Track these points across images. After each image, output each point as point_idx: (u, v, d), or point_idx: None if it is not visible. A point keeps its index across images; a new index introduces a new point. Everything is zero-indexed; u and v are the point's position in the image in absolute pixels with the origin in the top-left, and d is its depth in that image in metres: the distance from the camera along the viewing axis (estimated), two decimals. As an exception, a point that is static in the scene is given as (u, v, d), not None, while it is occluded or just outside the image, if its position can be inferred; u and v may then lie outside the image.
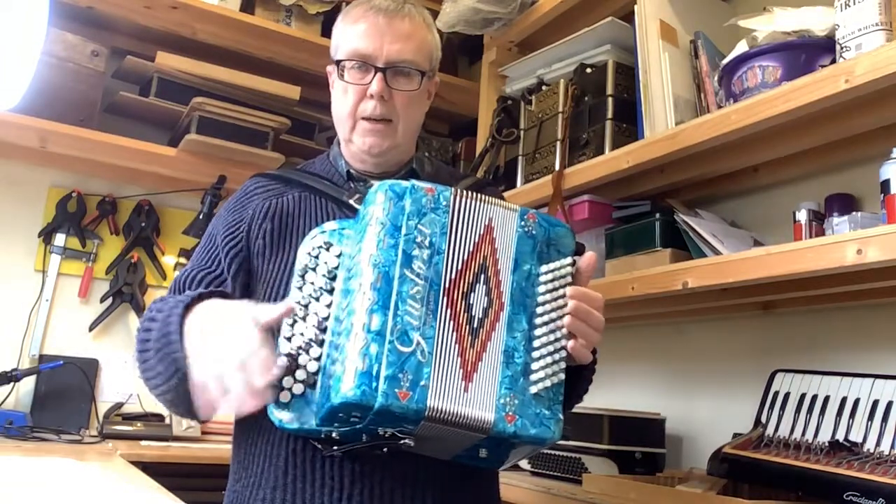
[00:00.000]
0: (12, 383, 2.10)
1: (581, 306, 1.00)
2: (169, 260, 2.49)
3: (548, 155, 1.87)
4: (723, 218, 1.69)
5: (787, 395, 1.44)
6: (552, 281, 1.01)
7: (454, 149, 2.60)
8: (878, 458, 1.21)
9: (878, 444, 1.25)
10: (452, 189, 1.00)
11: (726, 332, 1.78)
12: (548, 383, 0.96)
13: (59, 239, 2.35)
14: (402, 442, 0.95)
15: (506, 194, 1.94)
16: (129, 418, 2.22)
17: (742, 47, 1.42)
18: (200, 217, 2.34)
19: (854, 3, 1.20)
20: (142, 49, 2.36)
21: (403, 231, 0.96)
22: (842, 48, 1.21)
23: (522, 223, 1.02)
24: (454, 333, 0.94)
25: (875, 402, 1.29)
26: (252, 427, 1.11)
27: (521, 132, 2.00)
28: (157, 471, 1.61)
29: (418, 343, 0.92)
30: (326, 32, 2.47)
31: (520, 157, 1.98)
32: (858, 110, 1.27)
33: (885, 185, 1.20)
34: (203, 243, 1.22)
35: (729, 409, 1.71)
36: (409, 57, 1.17)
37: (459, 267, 0.97)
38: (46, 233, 2.34)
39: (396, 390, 0.88)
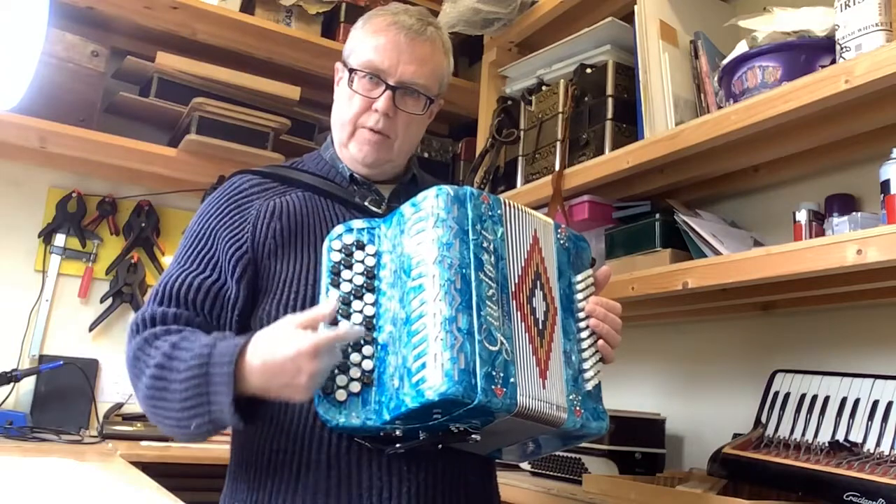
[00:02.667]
0: (12, 383, 2.10)
1: (608, 314, 1.09)
2: (169, 260, 2.49)
3: (548, 155, 1.87)
4: (723, 218, 1.69)
5: (787, 396, 1.44)
6: (585, 289, 1.10)
7: (454, 149, 2.60)
8: (878, 459, 1.21)
9: (878, 444, 1.25)
10: (502, 199, 1.05)
11: (726, 332, 1.78)
12: (596, 381, 1.06)
13: (59, 239, 2.34)
14: (469, 437, 0.97)
15: (506, 195, 1.94)
16: (129, 418, 2.22)
17: (742, 47, 1.42)
18: (200, 217, 2.34)
19: (854, 4, 1.19)
20: (142, 49, 2.36)
21: (471, 235, 0.99)
22: (842, 48, 1.21)
23: (558, 235, 1.11)
24: (526, 334, 0.99)
25: (875, 403, 1.29)
26: (278, 432, 1.08)
27: (521, 132, 2.00)
28: (157, 471, 1.61)
29: (502, 342, 0.95)
30: (326, 33, 2.47)
31: (520, 158, 1.98)
32: (858, 110, 1.27)
33: (885, 185, 1.20)
34: (192, 244, 1.16)
35: (729, 409, 1.71)
36: (421, 81, 1.17)
37: (520, 273, 1.02)
38: (46, 233, 2.33)
39: (493, 387, 0.91)
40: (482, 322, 0.93)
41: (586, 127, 1.79)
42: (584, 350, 1.06)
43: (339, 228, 1.07)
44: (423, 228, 0.99)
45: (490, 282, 0.97)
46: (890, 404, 1.27)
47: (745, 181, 1.66)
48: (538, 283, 1.04)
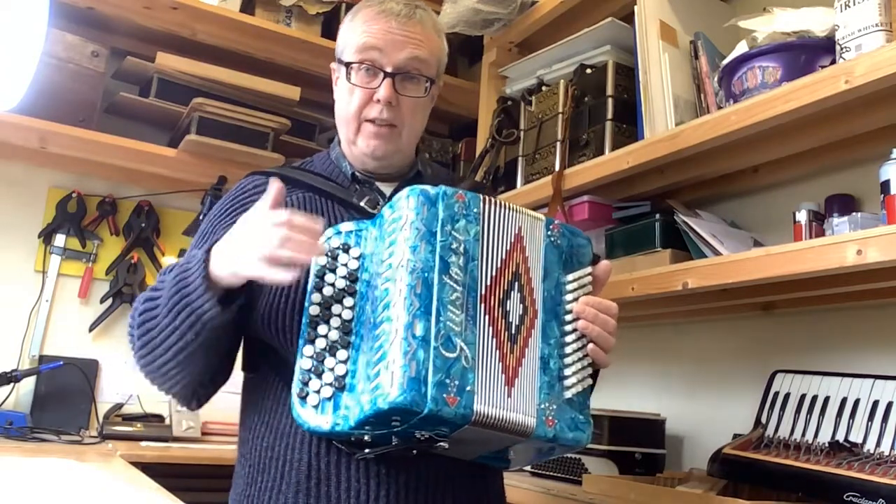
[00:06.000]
0: (12, 384, 2.10)
1: (599, 314, 1.03)
2: (169, 260, 2.49)
3: (548, 155, 1.87)
4: (723, 218, 1.69)
5: (787, 396, 1.44)
6: (577, 290, 1.05)
7: (454, 149, 2.60)
8: (878, 459, 1.21)
9: (878, 444, 1.25)
10: (482, 196, 1.01)
11: (726, 333, 1.78)
12: (579, 388, 1.00)
13: (59, 239, 2.35)
14: (437, 445, 0.95)
15: (506, 195, 1.94)
16: (129, 419, 2.22)
17: (742, 48, 1.42)
18: (201, 218, 2.34)
19: (854, 4, 1.20)
20: (142, 49, 2.36)
21: (439, 237, 0.96)
22: (842, 49, 1.21)
23: (548, 233, 1.05)
24: (493, 339, 0.96)
25: (875, 403, 1.29)
26: (268, 430, 1.10)
27: (521, 133, 2.00)
28: (157, 471, 1.61)
29: (462, 349, 0.92)
30: (326, 33, 2.47)
31: (520, 158, 1.98)
32: (858, 111, 1.27)
33: (885, 185, 1.20)
34: (194, 244, 1.20)
35: (729, 410, 1.71)
36: (418, 63, 1.17)
37: (494, 274, 0.99)
38: (46, 233, 2.34)
39: (445, 395, 0.88)
40: (440, 328, 0.91)
41: (586, 127, 1.79)
42: (566, 355, 1.01)
43: (328, 231, 1.06)
44: (394, 230, 0.98)
45: (455, 285, 0.94)
46: (890, 404, 1.27)
47: (745, 181, 1.66)
48: (516, 284, 1.00)
